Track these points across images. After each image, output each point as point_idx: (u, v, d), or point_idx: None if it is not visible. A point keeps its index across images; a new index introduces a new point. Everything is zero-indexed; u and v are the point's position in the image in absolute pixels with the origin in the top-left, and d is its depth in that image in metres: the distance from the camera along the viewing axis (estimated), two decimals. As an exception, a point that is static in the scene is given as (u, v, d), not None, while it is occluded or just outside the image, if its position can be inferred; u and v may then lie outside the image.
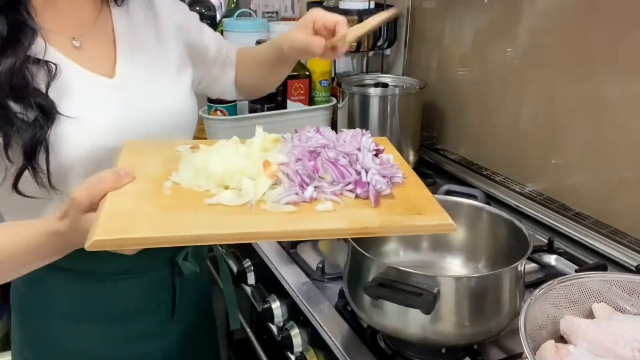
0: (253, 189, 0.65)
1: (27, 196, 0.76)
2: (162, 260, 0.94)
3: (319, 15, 0.81)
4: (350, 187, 0.66)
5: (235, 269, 1.19)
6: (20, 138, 0.72)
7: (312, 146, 0.69)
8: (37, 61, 0.74)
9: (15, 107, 0.72)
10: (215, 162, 0.70)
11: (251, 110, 1.47)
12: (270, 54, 0.98)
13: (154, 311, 0.96)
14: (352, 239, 0.80)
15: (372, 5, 1.59)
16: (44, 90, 0.74)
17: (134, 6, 0.89)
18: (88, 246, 0.59)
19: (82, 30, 0.82)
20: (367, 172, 0.67)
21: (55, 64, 0.75)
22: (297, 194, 0.65)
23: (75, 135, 0.76)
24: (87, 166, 0.77)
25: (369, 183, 0.66)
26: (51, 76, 0.74)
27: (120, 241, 0.60)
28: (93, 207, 0.66)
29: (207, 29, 1.04)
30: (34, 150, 0.72)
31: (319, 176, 0.67)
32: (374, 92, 1.40)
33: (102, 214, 0.63)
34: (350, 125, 1.43)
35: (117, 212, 0.64)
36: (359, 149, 0.70)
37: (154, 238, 0.62)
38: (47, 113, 0.73)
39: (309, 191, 0.65)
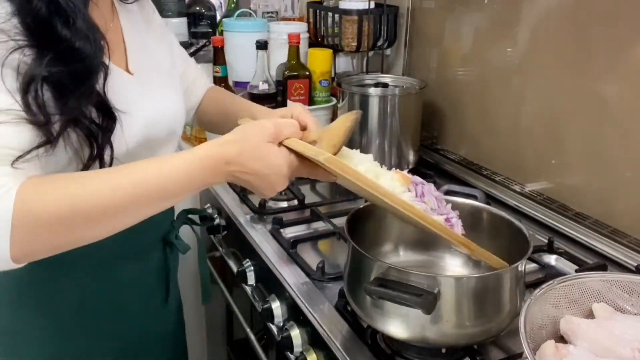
0: (391, 188, 0.76)
1: None
2: (153, 242, 0.98)
3: (297, 112, 0.85)
4: (443, 217, 0.80)
5: (235, 269, 1.19)
6: (94, 140, 0.74)
7: (416, 181, 0.82)
8: None
9: (86, 111, 0.73)
10: (357, 160, 0.79)
11: (251, 111, 1.47)
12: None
13: (150, 296, 0.99)
14: (352, 239, 0.81)
15: (372, 5, 1.59)
16: (102, 91, 0.75)
17: (133, 6, 0.92)
18: (324, 159, 0.65)
19: (104, 30, 0.82)
20: (449, 214, 0.82)
21: (106, 64, 0.76)
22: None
23: (129, 128, 0.79)
24: (132, 157, 0.79)
25: (453, 223, 0.81)
26: (105, 77, 0.76)
27: (346, 169, 0.66)
28: (275, 142, 0.70)
29: (180, 47, 1.08)
30: (102, 150, 0.75)
31: (423, 201, 0.79)
32: (374, 92, 1.40)
33: (310, 147, 0.68)
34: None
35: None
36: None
37: (369, 183, 0.68)
38: (110, 113, 0.76)
39: (423, 205, 0.78)
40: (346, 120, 0.81)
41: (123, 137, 0.79)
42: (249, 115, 0.96)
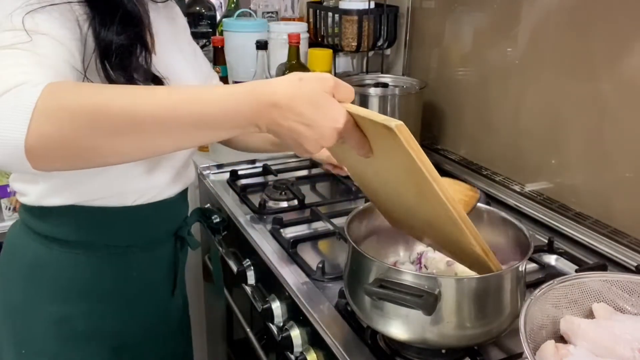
0: None
1: None
2: (166, 235, 1.01)
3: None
4: None
5: (235, 269, 1.19)
6: None
7: None
8: None
9: (142, 81, 0.78)
10: None
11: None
12: None
13: (157, 288, 1.02)
14: (352, 239, 0.81)
15: (372, 5, 1.59)
16: (144, 62, 0.80)
17: (159, 5, 0.94)
18: (396, 125, 0.58)
19: None
20: None
21: (147, 41, 0.82)
22: None
23: None
24: None
25: None
26: (148, 53, 0.81)
27: (413, 144, 0.60)
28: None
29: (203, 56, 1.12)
30: None
31: None
32: (374, 92, 1.40)
33: (376, 113, 0.62)
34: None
35: None
36: None
37: (428, 166, 0.62)
38: (159, 80, 0.82)
39: None
40: (460, 191, 0.79)
41: None
42: None
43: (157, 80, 0.82)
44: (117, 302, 0.95)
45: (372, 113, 0.63)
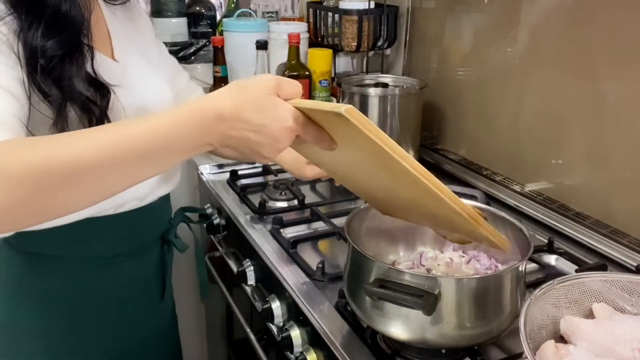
0: None
1: None
2: (152, 241, 1.00)
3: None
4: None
5: (235, 269, 1.19)
6: (92, 115, 0.75)
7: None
8: None
9: (83, 89, 0.75)
10: None
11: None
12: None
13: (147, 294, 1.01)
14: (352, 239, 0.80)
15: (372, 5, 1.59)
16: (91, 71, 0.77)
17: (117, 7, 0.94)
18: (346, 110, 0.57)
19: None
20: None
21: (91, 46, 0.78)
22: None
23: (117, 112, 0.80)
24: None
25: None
26: (92, 56, 0.78)
27: (368, 125, 0.59)
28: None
29: (170, 55, 1.10)
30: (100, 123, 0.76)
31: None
32: (374, 92, 1.40)
33: (324, 102, 0.62)
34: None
35: None
36: None
37: (389, 143, 0.61)
38: (103, 87, 0.77)
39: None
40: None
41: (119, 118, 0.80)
42: None
43: (99, 87, 0.76)
44: (106, 313, 0.94)
45: (319, 103, 0.61)
